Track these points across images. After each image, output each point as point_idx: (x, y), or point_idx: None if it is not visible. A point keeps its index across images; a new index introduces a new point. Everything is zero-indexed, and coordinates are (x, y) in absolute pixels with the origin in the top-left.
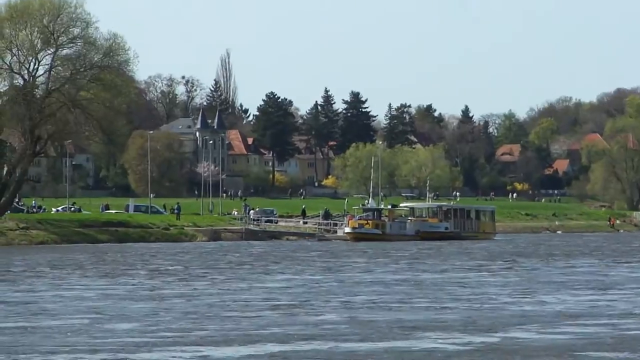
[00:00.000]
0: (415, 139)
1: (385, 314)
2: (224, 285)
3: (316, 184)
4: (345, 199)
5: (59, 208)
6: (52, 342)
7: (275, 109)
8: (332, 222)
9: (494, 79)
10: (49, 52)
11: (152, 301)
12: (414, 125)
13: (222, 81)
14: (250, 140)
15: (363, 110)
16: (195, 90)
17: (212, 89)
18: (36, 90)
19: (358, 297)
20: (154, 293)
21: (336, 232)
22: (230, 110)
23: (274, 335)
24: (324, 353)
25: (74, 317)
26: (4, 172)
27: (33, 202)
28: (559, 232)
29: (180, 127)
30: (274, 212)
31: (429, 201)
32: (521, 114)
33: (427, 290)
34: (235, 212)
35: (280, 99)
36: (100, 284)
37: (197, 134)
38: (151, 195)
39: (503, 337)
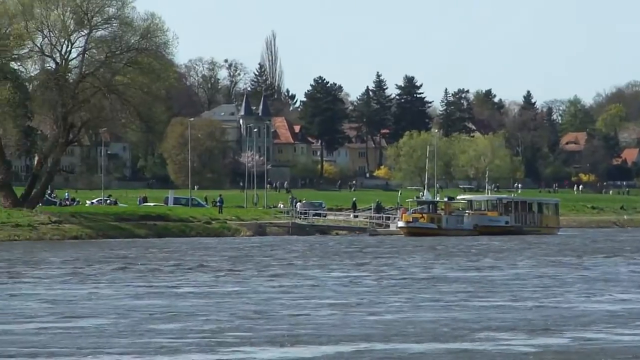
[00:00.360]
0: (473, 127)
1: (448, 313)
2: (282, 282)
3: (367, 174)
4: (398, 190)
5: (94, 200)
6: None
7: (324, 94)
8: (384, 215)
9: (558, 62)
10: (83, 33)
11: (216, 299)
12: (472, 112)
13: (267, 65)
14: (297, 128)
15: (418, 95)
16: (239, 74)
17: (257, 73)
18: (69, 74)
19: (421, 295)
20: (218, 291)
21: (389, 226)
22: (275, 96)
23: (333, 335)
24: (385, 353)
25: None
26: (35, 162)
27: (66, 194)
28: (629, 227)
29: (222, 114)
30: (323, 205)
31: (488, 193)
32: (587, 99)
33: (492, 288)
34: (282, 205)
35: (329, 84)
36: (163, 282)
37: (241, 121)
38: (196, 187)
39: (574, 337)
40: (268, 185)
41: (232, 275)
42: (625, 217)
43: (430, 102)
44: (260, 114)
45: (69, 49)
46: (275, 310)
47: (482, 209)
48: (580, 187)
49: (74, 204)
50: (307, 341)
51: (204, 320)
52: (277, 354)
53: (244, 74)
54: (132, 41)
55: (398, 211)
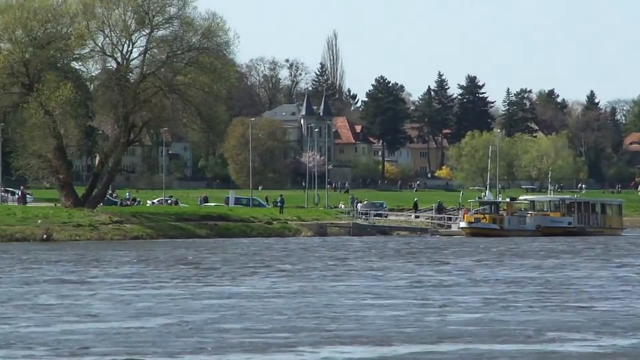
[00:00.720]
0: (536, 127)
1: (518, 314)
2: (350, 282)
3: (429, 174)
4: (460, 191)
5: (155, 200)
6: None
7: (386, 94)
8: (446, 216)
9: (621, 61)
10: (144, 33)
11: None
12: (534, 112)
13: (328, 65)
14: (358, 128)
15: (480, 95)
16: (300, 74)
17: (318, 73)
18: (130, 74)
19: (488, 296)
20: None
21: (450, 226)
22: (337, 96)
23: (402, 334)
24: (455, 354)
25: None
26: (96, 162)
27: (127, 194)
28: None
29: (283, 113)
30: (384, 205)
31: (550, 194)
32: None
33: (559, 289)
34: (342, 205)
35: (390, 84)
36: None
37: (302, 121)
38: (260, 188)
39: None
40: (328, 186)
41: (300, 275)
42: None
43: (492, 102)
44: (321, 114)
45: (130, 48)
46: (362, 309)
47: (545, 209)
48: None
49: (135, 204)
50: (370, 342)
51: (275, 319)
52: (351, 353)
53: (305, 73)
54: (193, 41)
55: (460, 212)
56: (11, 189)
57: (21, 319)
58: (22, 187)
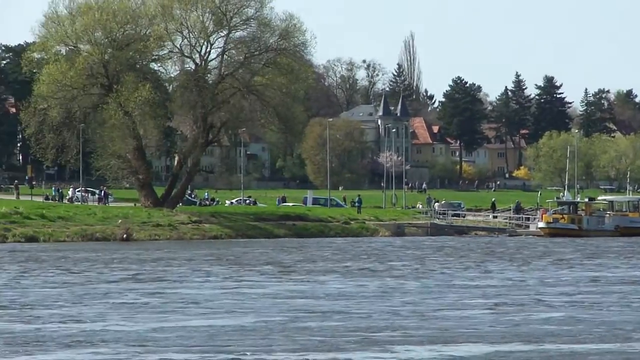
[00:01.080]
0: (614, 127)
1: (598, 313)
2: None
3: (506, 175)
4: (538, 191)
5: (233, 200)
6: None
7: (463, 95)
8: (523, 216)
9: None
10: (222, 34)
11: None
12: (613, 112)
13: (405, 65)
14: (435, 129)
15: (557, 95)
16: (377, 75)
17: (395, 73)
18: (208, 75)
19: (572, 296)
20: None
21: (528, 227)
22: (414, 97)
23: (486, 334)
24: (540, 353)
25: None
26: (175, 162)
27: (206, 194)
28: None
29: (361, 114)
30: (461, 206)
31: (629, 194)
32: None
33: None
34: (420, 206)
35: (467, 85)
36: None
37: (379, 121)
38: (341, 188)
39: None
40: (406, 186)
41: (391, 275)
42: None
43: (570, 103)
44: (398, 115)
45: (208, 49)
46: (471, 308)
47: (624, 210)
48: None
49: (214, 204)
50: (459, 340)
51: (360, 318)
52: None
53: (382, 74)
54: (271, 42)
55: (538, 212)
56: (91, 189)
57: (132, 317)
58: (104, 188)
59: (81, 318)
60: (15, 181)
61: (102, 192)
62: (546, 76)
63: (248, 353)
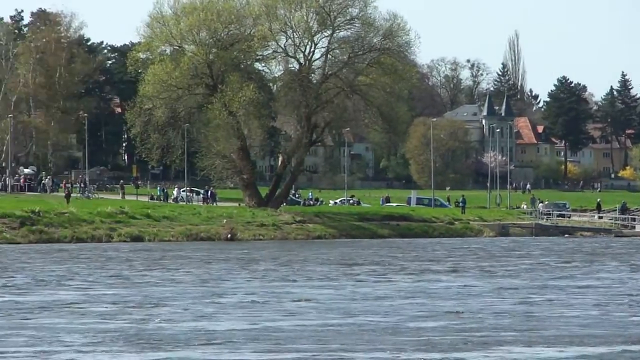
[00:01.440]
0: None
1: None
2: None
3: (612, 175)
4: None
5: (337, 200)
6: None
7: (568, 94)
8: (629, 216)
9: None
10: (326, 34)
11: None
12: None
13: (510, 65)
14: (540, 129)
15: None
16: (482, 74)
17: (500, 73)
18: (312, 75)
19: None
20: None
21: (634, 227)
22: (518, 96)
23: (598, 335)
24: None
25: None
26: (279, 162)
27: (309, 194)
28: None
29: (465, 114)
30: (566, 206)
31: None
32: None
33: None
34: (524, 206)
35: (573, 84)
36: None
37: (483, 121)
38: (448, 188)
39: None
40: (510, 186)
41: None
42: None
43: None
44: (503, 114)
45: (312, 49)
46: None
47: None
48: None
49: (318, 203)
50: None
51: (471, 319)
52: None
53: (487, 74)
54: (375, 41)
55: None
56: (196, 189)
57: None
58: (211, 188)
59: (209, 316)
60: (121, 181)
61: (209, 192)
62: None
63: (388, 352)
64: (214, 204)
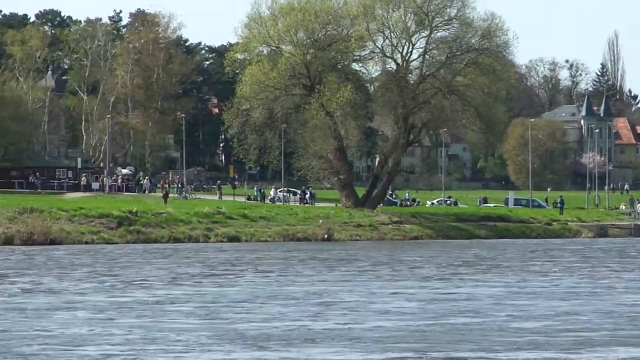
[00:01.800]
0: None
1: None
2: None
3: None
4: None
5: (434, 201)
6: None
7: None
8: None
9: None
10: (423, 34)
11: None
12: None
13: (609, 65)
14: (639, 129)
15: None
16: (580, 75)
17: (599, 73)
18: (409, 75)
19: None
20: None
21: None
22: (617, 97)
23: None
24: None
25: None
26: (376, 162)
27: (406, 194)
28: None
29: (563, 114)
30: None
31: None
32: None
33: None
34: (623, 207)
35: None
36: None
37: (582, 122)
38: (549, 189)
39: None
40: (608, 187)
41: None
42: None
43: None
44: (601, 115)
45: (409, 50)
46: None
47: None
48: None
49: (415, 204)
50: None
51: (565, 320)
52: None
53: (585, 74)
54: (473, 42)
55: None
56: (293, 189)
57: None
58: (310, 188)
59: (312, 315)
60: (218, 181)
61: (309, 192)
62: None
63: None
64: (313, 204)
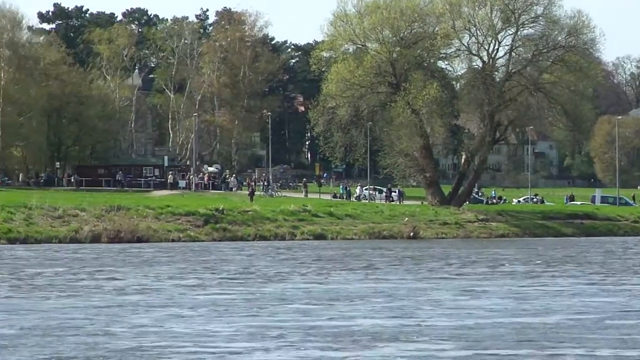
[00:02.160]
0: None
1: None
2: None
3: None
4: None
5: (520, 199)
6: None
7: None
8: None
9: None
10: (510, 32)
11: None
12: None
13: None
14: None
15: None
16: None
17: None
18: (495, 73)
19: None
20: None
21: None
22: None
23: None
24: None
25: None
26: (462, 160)
27: (492, 192)
28: None
29: None
30: None
31: None
32: None
33: None
34: None
35: None
36: None
37: None
38: (639, 187)
39: None
40: None
41: None
42: None
43: None
44: None
45: (496, 47)
46: None
47: None
48: None
49: (501, 202)
50: None
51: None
52: None
53: None
54: (559, 39)
55: None
56: (379, 187)
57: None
58: (398, 186)
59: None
60: (304, 179)
61: (397, 190)
62: None
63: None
64: (402, 202)
